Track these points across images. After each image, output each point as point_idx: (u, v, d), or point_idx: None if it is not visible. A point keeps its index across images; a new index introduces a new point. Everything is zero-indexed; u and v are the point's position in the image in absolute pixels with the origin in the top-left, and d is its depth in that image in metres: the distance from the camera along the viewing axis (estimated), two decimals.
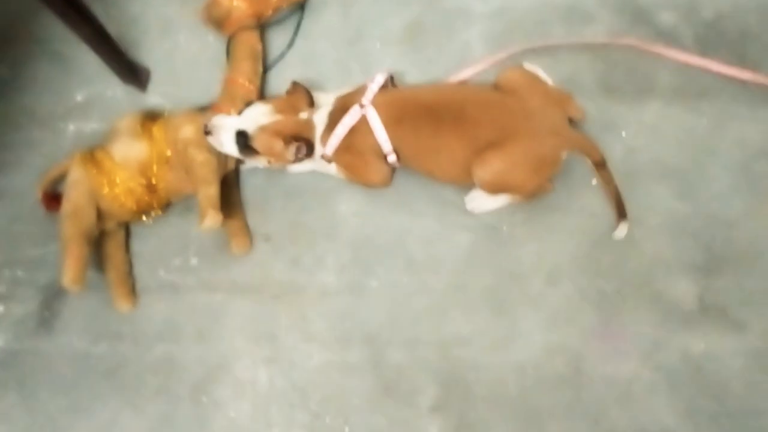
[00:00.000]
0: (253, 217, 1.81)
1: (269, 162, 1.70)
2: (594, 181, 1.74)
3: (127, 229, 1.81)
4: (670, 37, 1.84)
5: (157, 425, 1.68)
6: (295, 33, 1.94)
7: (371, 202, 1.79)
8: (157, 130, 1.71)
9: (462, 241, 1.74)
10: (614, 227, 1.68)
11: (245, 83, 1.79)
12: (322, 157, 1.74)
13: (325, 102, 1.74)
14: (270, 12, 1.87)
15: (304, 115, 1.69)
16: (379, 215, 1.78)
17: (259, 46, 1.86)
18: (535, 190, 1.68)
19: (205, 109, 1.79)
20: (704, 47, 1.82)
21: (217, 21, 1.85)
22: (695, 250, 1.69)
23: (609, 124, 1.78)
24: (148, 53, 1.96)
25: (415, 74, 1.87)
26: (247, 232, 1.78)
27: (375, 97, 1.70)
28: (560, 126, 1.66)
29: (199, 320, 1.75)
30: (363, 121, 1.68)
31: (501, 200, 1.72)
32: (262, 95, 1.86)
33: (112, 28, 1.78)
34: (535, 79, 1.75)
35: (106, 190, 1.66)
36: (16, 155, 1.89)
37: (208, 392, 1.70)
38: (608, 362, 1.64)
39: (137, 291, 1.77)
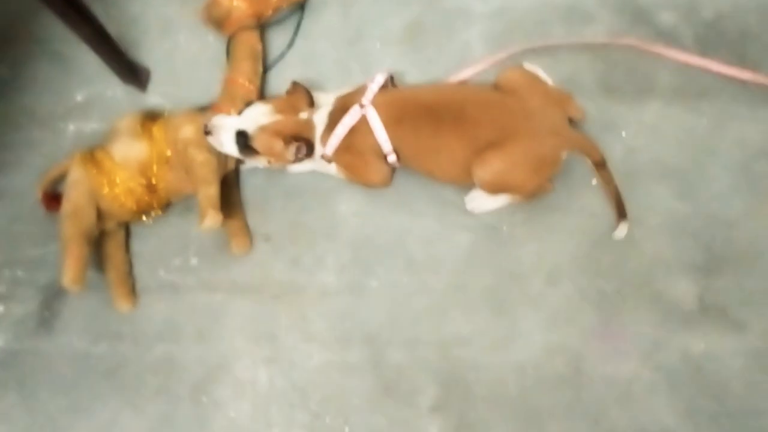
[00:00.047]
0: (253, 217, 1.81)
1: (269, 162, 1.70)
2: (594, 181, 1.74)
3: (127, 229, 1.81)
4: (670, 37, 1.84)
5: (157, 425, 1.68)
6: (295, 33, 1.93)
7: (371, 202, 1.79)
8: (157, 130, 1.71)
9: (462, 241, 1.74)
10: (614, 227, 1.68)
11: (245, 83, 1.79)
12: (322, 157, 1.74)
13: (325, 102, 1.74)
14: (270, 12, 1.87)
15: (304, 115, 1.69)
16: (379, 215, 1.78)
17: (259, 46, 1.86)
18: (535, 190, 1.68)
19: (205, 109, 1.79)
20: (704, 47, 1.82)
21: (217, 21, 1.85)
22: (695, 250, 1.69)
23: (609, 124, 1.78)
24: (148, 53, 1.96)
25: (415, 74, 1.87)
26: (247, 232, 1.78)
27: (375, 97, 1.70)
28: (560, 126, 1.66)
29: (199, 320, 1.75)
30: (363, 121, 1.68)
31: (501, 200, 1.72)
32: (262, 95, 1.86)
33: (112, 28, 1.78)
34: (535, 79, 1.75)
35: (106, 190, 1.66)
36: (15, 155, 1.89)
37: (208, 392, 1.70)
38: (608, 362, 1.64)
39: (137, 291, 1.77)
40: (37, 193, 1.76)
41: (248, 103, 1.69)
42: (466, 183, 1.68)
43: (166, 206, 1.78)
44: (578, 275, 1.69)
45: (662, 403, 1.60)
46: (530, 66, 1.80)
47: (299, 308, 1.73)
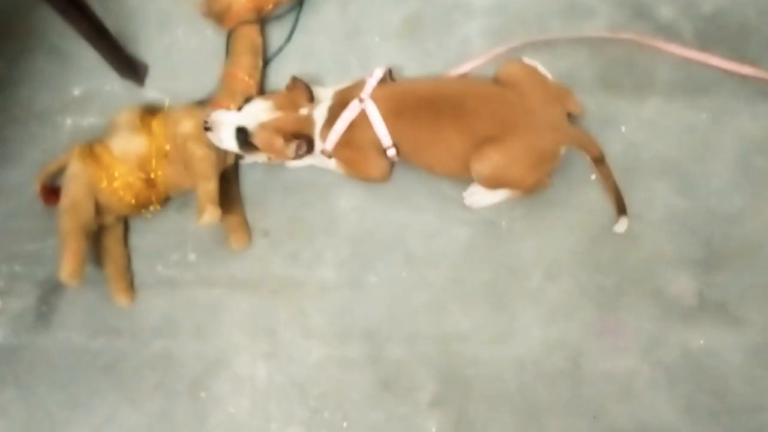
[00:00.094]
0: (252, 212, 1.80)
1: (269, 158, 1.69)
2: (593, 176, 1.73)
3: (125, 223, 1.80)
4: (669, 32, 1.83)
5: (155, 420, 1.68)
6: (293, 27, 1.93)
7: (370, 197, 1.78)
8: (156, 124, 1.71)
9: (461, 236, 1.74)
10: (614, 222, 1.68)
11: (245, 78, 1.78)
12: (322, 152, 1.73)
13: (324, 97, 1.74)
14: (270, 6, 1.87)
15: (304, 111, 1.68)
16: (378, 210, 1.78)
17: (259, 41, 1.85)
18: (534, 185, 1.67)
19: (204, 104, 1.79)
20: (704, 42, 1.81)
21: (218, 15, 1.84)
22: (695, 245, 1.69)
23: (608, 119, 1.77)
24: (146, 47, 1.95)
25: (413, 68, 1.86)
26: (246, 227, 1.78)
27: (374, 91, 1.69)
28: (559, 121, 1.66)
29: (197, 315, 1.75)
30: (362, 116, 1.67)
31: (500, 195, 1.71)
32: (261, 90, 1.86)
33: (110, 23, 1.77)
34: (535, 73, 1.74)
35: (104, 184, 1.65)
36: (13, 149, 1.88)
37: (207, 387, 1.70)
38: (608, 358, 1.64)
39: (135, 286, 1.77)
40: (36, 187, 1.75)
41: (248, 99, 1.69)
42: (465, 177, 1.68)
43: (165, 201, 1.78)
44: (577, 270, 1.69)
45: (662, 398, 1.60)
46: (529, 61, 1.80)
47: (298, 303, 1.73)
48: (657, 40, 1.80)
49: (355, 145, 1.70)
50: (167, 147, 1.69)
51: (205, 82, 1.85)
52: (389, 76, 1.75)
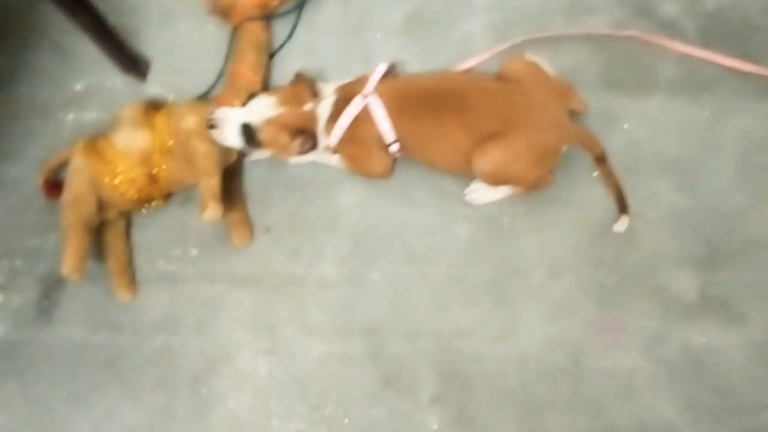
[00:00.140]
0: (254, 208, 1.80)
1: (272, 154, 1.69)
2: (595, 173, 1.73)
3: (127, 218, 1.80)
4: (672, 29, 1.83)
5: (156, 415, 1.68)
6: (296, 23, 1.93)
7: (372, 194, 1.78)
8: (159, 119, 1.71)
9: (462, 233, 1.74)
10: (615, 220, 1.68)
11: (249, 74, 1.78)
12: (326, 148, 1.73)
13: (327, 92, 1.74)
14: (276, 2, 1.87)
15: (308, 106, 1.68)
16: (380, 207, 1.78)
17: (264, 37, 1.85)
18: (535, 182, 1.67)
19: (207, 99, 1.78)
20: (706, 39, 1.81)
21: (223, 11, 1.84)
22: (696, 243, 1.68)
23: (611, 117, 1.77)
24: (148, 43, 1.95)
25: (416, 65, 1.86)
26: (248, 223, 1.78)
27: (377, 86, 1.69)
28: (562, 118, 1.65)
29: (198, 311, 1.75)
30: (366, 111, 1.67)
31: (501, 192, 1.71)
32: (265, 86, 1.85)
33: (111, 18, 1.78)
34: (538, 70, 1.74)
35: (107, 179, 1.65)
36: (14, 145, 1.88)
37: (208, 383, 1.70)
38: (609, 355, 1.63)
39: (137, 281, 1.77)
40: (39, 181, 1.75)
41: (252, 95, 1.68)
42: (467, 172, 1.68)
43: (167, 196, 1.78)
44: (579, 268, 1.69)
45: (663, 396, 1.60)
46: (532, 57, 1.80)
47: (299, 300, 1.73)
48: (659, 38, 1.79)
49: (358, 141, 1.70)
50: (170, 142, 1.69)
51: (207, 78, 1.85)
52: (393, 71, 1.75)
